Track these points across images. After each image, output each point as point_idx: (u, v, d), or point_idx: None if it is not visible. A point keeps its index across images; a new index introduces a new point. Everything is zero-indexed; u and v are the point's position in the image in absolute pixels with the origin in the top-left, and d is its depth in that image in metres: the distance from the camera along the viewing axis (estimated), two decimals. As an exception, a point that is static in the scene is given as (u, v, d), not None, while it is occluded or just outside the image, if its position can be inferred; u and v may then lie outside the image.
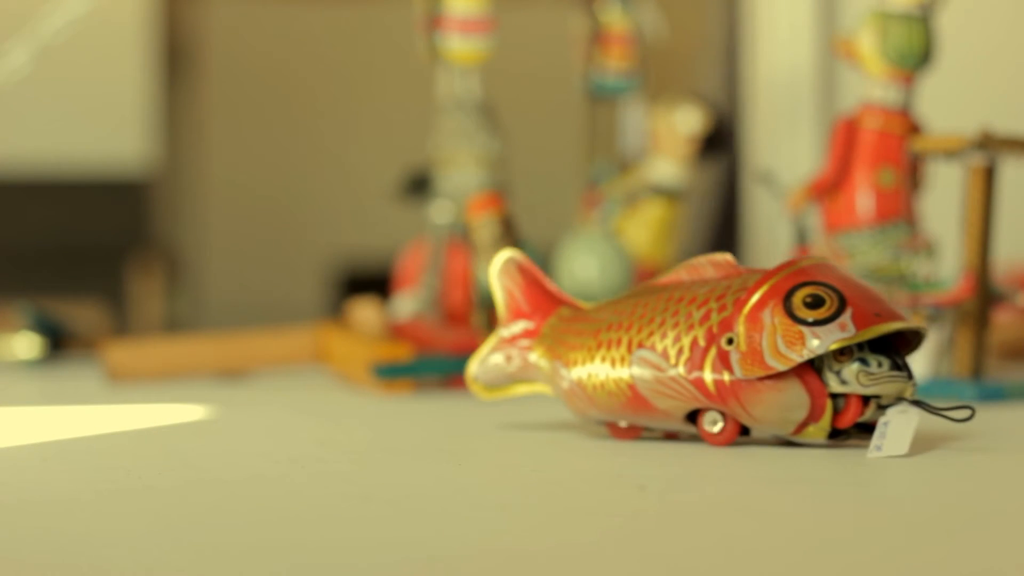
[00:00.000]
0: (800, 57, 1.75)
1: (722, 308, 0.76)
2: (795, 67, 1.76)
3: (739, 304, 0.75)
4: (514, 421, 0.91)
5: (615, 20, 1.40)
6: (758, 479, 0.69)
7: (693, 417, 0.78)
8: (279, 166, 2.96)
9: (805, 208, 1.08)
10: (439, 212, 1.26)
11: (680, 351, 0.76)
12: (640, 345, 0.78)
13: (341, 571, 0.50)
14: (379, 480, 0.70)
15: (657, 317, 0.78)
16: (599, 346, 0.79)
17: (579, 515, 0.61)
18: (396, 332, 1.22)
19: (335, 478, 0.71)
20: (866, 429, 0.75)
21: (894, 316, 0.74)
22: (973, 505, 0.63)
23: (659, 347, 0.77)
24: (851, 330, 0.73)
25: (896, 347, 0.75)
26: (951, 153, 1.03)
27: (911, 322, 0.74)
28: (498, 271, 0.86)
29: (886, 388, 0.74)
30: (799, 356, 0.73)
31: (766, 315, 0.74)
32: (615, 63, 1.40)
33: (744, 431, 0.77)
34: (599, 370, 0.79)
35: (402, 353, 1.11)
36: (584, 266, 1.30)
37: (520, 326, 0.85)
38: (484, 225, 1.17)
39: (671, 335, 0.77)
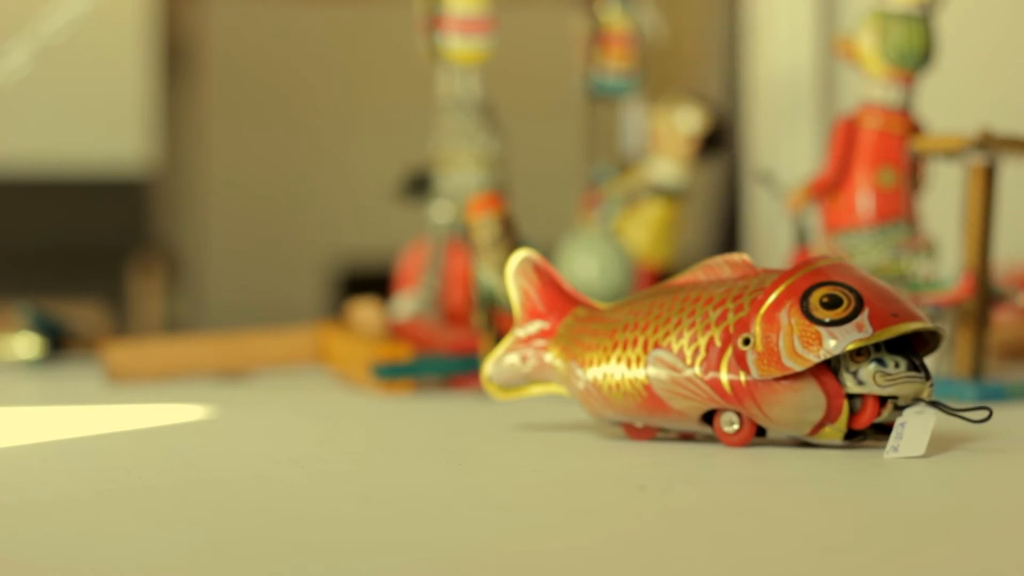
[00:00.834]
0: (800, 57, 1.75)
1: (739, 308, 0.76)
2: (795, 67, 1.75)
3: (756, 304, 0.75)
4: (514, 421, 0.91)
5: (615, 20, 1.40)
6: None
7: (709, 418, 0.78)
8: (279, 166, 2.96)
9: (805, 208, 1.08)
10: (439, 212, 1.26)
11: (696, 351, 0.76)
12: (656, 345, 0.78)
13: (341, 571, 0.50)
14: (379, 480, 0.70)
15: (673, 317, 0.78)
16: (615, 346, 0.79)
17: (579, 515, 0.61)
18: (396, 332, 1.22)
19: (335, 478, 0.71)
20: (883, 430, 0.75)
21: (912, 316, 0.74)
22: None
23: (675, 347, 0.77)
24: (868, 330, 0.73)
25: (913, 348, 0.75)
26: (951, 153, 1.03)
27: (929, 323, 0.74)
28: (514, 271, 0.85)
29: (903, 389, 0.74)
30: (816, 356, 0.73)
31: (783, 315, 0.74)
32: (615, 63, 1.40)
33: (760, 432, 0.77)
34: (615, 370, 0.79)
35: (402, 353, 1.11)
36: (584, 266, 1.30)
37: (536, 326, 0.84)
38: (484, 225, 1.16)
39: (687, 335, 0.77)
